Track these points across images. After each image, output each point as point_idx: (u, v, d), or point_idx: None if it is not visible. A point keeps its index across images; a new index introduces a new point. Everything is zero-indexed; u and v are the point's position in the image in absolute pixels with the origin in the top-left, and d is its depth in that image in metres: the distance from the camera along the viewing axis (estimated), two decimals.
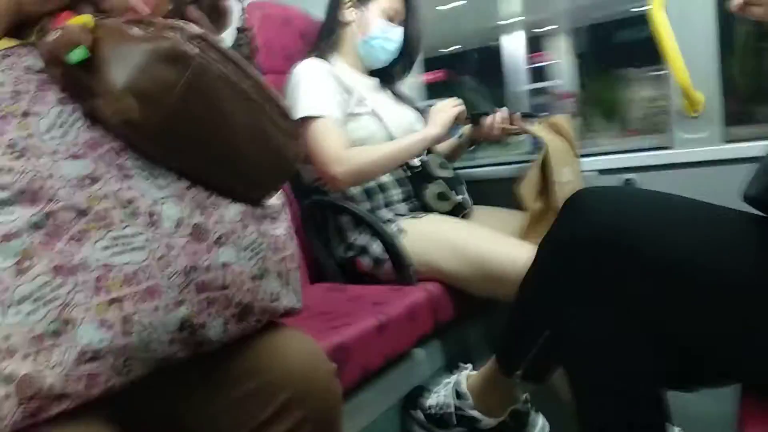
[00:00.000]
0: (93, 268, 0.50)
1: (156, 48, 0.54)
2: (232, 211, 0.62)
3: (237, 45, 0.91)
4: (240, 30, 0.88)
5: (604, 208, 0.79)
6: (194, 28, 0.57)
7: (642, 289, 0.76)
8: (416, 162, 1.52)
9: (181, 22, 0.57)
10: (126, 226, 0.53)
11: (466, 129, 1.63)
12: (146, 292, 0.51)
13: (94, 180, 0.53)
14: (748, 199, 0.73)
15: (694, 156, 1.44)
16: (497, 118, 1.51)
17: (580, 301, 0.81)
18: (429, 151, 1.56)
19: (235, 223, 0.61)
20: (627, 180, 1.50)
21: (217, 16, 0.72)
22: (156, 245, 0.53)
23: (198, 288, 0.55)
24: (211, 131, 0.58)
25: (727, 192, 0.79)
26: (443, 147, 1.67)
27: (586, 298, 0.80)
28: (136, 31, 0.56)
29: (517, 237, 1.41)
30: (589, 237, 0.79)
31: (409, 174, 1.54)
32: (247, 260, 0.61)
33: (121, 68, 0.54)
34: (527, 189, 1.46)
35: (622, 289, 0.77)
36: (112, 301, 0.50)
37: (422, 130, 1.50)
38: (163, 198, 0.56)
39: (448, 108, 1.50)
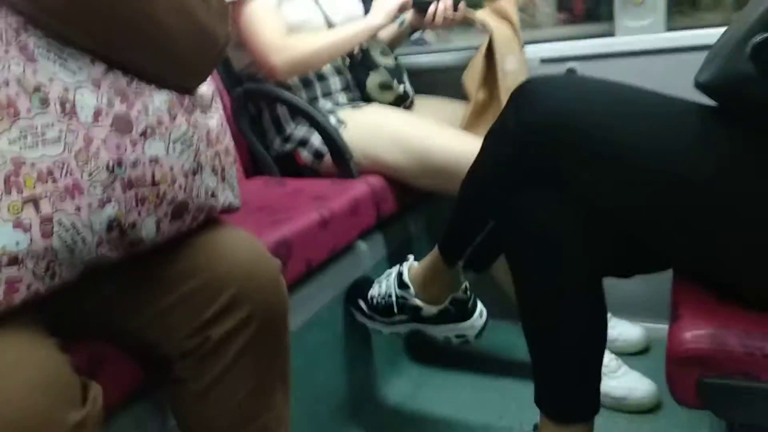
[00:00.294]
0: (1, 163, 0.44)
1: None
2: (157, 99, 0.55)
3: None
4: None
5: (552, 97, 0.77)
6: None
7: (587, 175, 0.76)
8: (356, 49, 1.44)
9: None
10: (35, 115, 0.46)
11: (409, 15, 1.54)
12: (65, 190, 0.46)
13: None
14: (699, 84, 0.72)
15: (637, 44, 1.43)
16: (440, 6, 1.43)
17: (525, 190, 0.81)
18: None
19: (162, 113, 0.55)
20: (569, 69, 1.49)
21: None
22: (73, 137, 0.47)
23: (125, 185, 0.50)
24: (125, 6, 0.50)
25: (670, 81, 0.78)
26: (384, 34, 1.59)
27: (531, 186, 0.80)
28: None
29: (461, 127, 1.39)
30: (537, 126, 0.77)
31: (349, 62, 1.47)
32: (178, 154, 0.56)
33: None
34: (471, 78, 1.43)
35: (567, 176, 0.77)
36: (27, 201, 0.44)
37: (365, 19, 1.41)
38: (76, 84, 0.49)
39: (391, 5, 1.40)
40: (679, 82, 0.74)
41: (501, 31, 1.40)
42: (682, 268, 0.80)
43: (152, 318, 0.59)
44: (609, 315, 1.25)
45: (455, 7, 1.43)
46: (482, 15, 1.42)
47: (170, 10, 0.55)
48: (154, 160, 0.53)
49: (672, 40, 1.38)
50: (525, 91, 0.80)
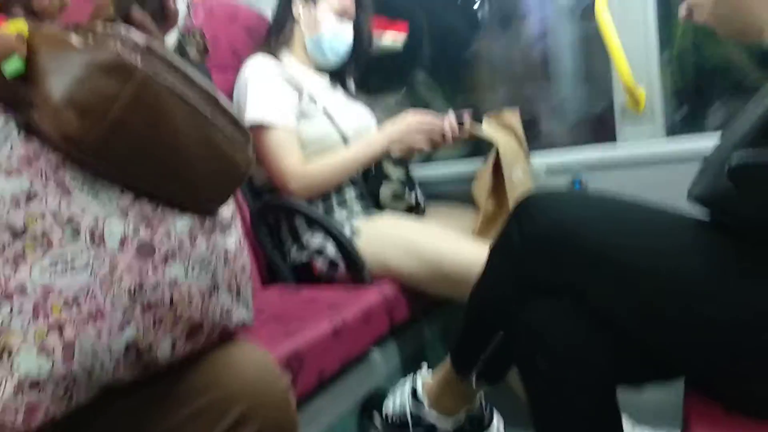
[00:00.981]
0: (31, 291, 0.48)
1: (96, 59, 0.51)
2: (180, 224, 0.59)
3: (183, 47, 0.88)
4: (185, 32, 0.85)
5: (553, 211, 0.81)
6: (138, 37, 0.55)
7: (591, 286, 0.78)
8: (372, 168, 1.52)
9: (123, 30, 0.55)
10: (67, 245, 0.50)
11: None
12: (89, 315, 0.49)
13: (30, 197, 0.50)
14: (692, 198, 0.75)
15: (639, 152, 1.48)
16: (447, 127, 1.48)
17: (532, 302, 0.82)
18: None
19: (183, 236, 0.59)
20: (574, 178, 1.54)
21: (163, 18, 0.69)
22: (99, 264, 0.51)
23: (144, 308, 0.53)
24: (155, 145, 0.56)
25: (672, 189, 0.82)
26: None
27: (537, 298, 0.82)
28: (75, 39, 0.53)
29: (471, 235, 1.43)
30: (539, 239, 0.80)
31: (363, 173, 1.54)
32: (196, 276, 0.59)
33: (60, 80, 0.51)
34: (480, 189, 1.48)
35: (572, 287, 0.79)
36: (53, 327, 0.47)
37: (379, 140, 1.48)
38: (105, 214, 0.53)
39: (415, 132, 1.47)
40: (679, 190, 0.77)
41: (507, 144, 1.47)
42: (691, 377, 0.79)
43: None
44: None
45: (461, 124, 1.50)
46: (488, 129, 1.50)
47: (197, 145, 0.60)
48: (173, 283, 0.56)
49: (672, 149, 1.43)
50: (527, 205, 0.84)
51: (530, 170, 1.54)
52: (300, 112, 1.48)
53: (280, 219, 1.51)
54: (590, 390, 0.81)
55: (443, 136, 1.49)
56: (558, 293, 0.80)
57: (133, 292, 0.52)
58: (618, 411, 0.83)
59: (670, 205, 0.79)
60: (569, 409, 0.82)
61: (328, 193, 1.49)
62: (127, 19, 0.65)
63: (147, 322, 0.54)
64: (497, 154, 1.46)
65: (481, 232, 1.45)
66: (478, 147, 1.86)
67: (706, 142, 0.77)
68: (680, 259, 0.72)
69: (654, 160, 1.45)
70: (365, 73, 1.75)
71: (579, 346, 0.80)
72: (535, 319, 0.82)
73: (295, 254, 1.47)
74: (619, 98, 1.53)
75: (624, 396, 0.83)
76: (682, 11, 0.70)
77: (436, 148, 1.57)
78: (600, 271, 0.77)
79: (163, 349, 0.56)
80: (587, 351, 0.79)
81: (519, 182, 1.45)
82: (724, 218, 0.72)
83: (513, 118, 1.55)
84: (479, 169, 1.53)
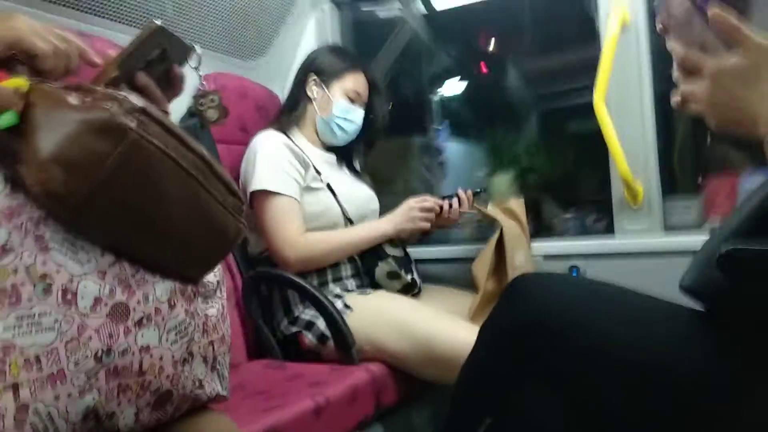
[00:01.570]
0: None
1: (90, 118, 0.52)
2: (159, 289, 0.58)
3: (198, 109, 0.89)
4: (202, 95, 0.87)
5: (544, 295, 0.79)
6: (135, 100, 0.56)
7: (579, 374, 0.75)
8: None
9: (122, 93, 0.56)
10: (35, 304, 0.49)
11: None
12: (48, 378, 0.47)
13: (6, 250, 0.50)
14: (683, 288, 0.74)
15: (636, 245, 1.48)
16: (455, 204, 1.51)
17: (520, 389, 0.79)
18: None
19: (161, 302, 0.58)
20: (572, 267, 1.53)
21: (169, 84, 0.71)
22: (67, 327, 0.49)
23: (110, 373, 0.51)
24: (142, 207, 0.55)
25: (668, 282, 0.81)
26: None
27: (525, 385, 0.79)
28: (72, 98, 0.54)
29: (466, 317, 1.40)
30: (529, 324, 0.78)
31: (360, 259, 1.54)
32: (170, 344, 0.57)
33: (51, 136, 0.52)
34: (481, 268, 1.47)
35: (561, 374, 0.76)
36: (7, 387, 0.45)
37: (381, 225, 1.51)
38: (82, 274, 0.52)
39: (410, 212, 1.50)
40: (675, 284, 0.76)
41: (511, 227, 1.48)
42: None
43: None
44: None
45: (465, 201, 1.52)
46: (493, 211, 1.51)
47: (185, 210, 0.59)
48: (145, 350, 0.54)
49: (669, 243, 1.43)
50: (517, 288, 0.82)
51: (532, 259, 1.54)
52: (306, 186, 1.50)
53: (272, 290, 1.49)
54: None
55: (445, 215, 1.50)
56: (546, 379, 0.77)
57: (99, 356, 0.51)
58: None
59: (666, 296, 0.78)
60: None
61: (324, 268, 1.48)
62: (132, 84, 0.67)
63: (111, 389, 0.51)
64: (501, 235, 1.46)
65: (478, 313, 1.42)
66: (479, 232, 1.87)
67: (703, 238, 0.77)
68: (672, 354, 0.71)
69: (651, 252, 1.44)
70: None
71: None
72: (523, 408, 0.79)
73: (284, 327, 1.44)
74: (618, 192, 1.54)
75: None
76: (674, 100, 0.71)
77: (440, 227, 1.58)
78: (589, 360, 0.74)
79: (126, 419, 0.53)
80: None
81: (520, 267, 1.45)
82: (714, 308, 0.71)
83: (517, 206, 1.56)
84: (481, 249, 1.53)
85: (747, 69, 0.62)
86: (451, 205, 1.51)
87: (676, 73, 0.69)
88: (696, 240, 0.82)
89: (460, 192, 1.52)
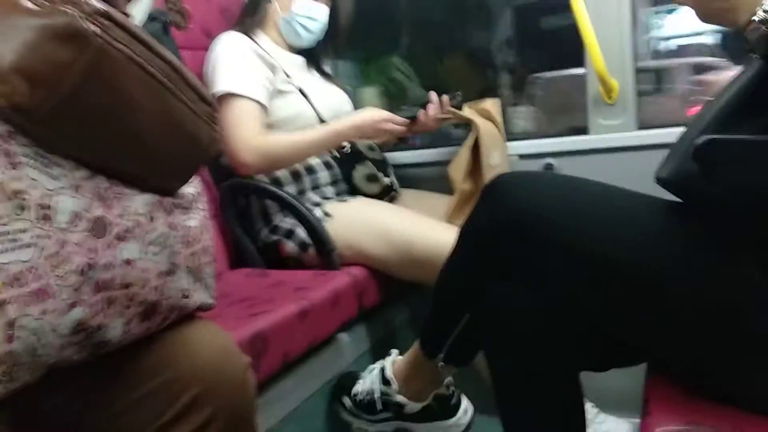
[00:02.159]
0: None
1: (49, 24, 0.49)
2: (138, 202, 0.57)
3: (158, 15, 0.84)
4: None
5: (522, 193, 0.80)
6: (96, 4, 0.52)
7: (558, 272, 0.78)
8: (345, 143, 1.50)
9: None
10: (11, 221, 0.47)
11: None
12: (33, 293, 0.47)
13: None
14: (660, 180, 0.76)
15: (610, 142, 1.49)
16: (431, 111, 1.48)
17: (499, 284, 0.82)
18: None
19: (140, 215, 0.57)
20: (547, 165, 1.54)
21: None
22: (47, 242, 0.49)
23: (95, 287, 0.51)
24: (113, 117, 0.53)
25: (642, 176, 0.82)
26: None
27: (504, 281, 0.82)
28: (27, 3, 0.50)
29: (444, 220, 1.42)
30: (508, 221, 0.80)
31: (337, 155, 1.52)
32: (153, 256, 0.57)
33: (9, 45, 0.48)
34: (457, 169, 1.47)
35: (539, 272, 0.79)
36: None
37: (345, 131, 1.45)
38: (57, 189, 0.51)
39: (378, 124, 1.45)
40: (650, 177, 0.78)
41: (486, 128, 1.47)
42: (653, 361, 0.80)
43: (113, 417, 0.58)
44: (597, 411, 1.23)
45: (442, 106, 1.49)
46: (468, 113, 1.49)
47: (157, 120, 0.57)
48: (128, 263, 0.54)
49: (642, 138, 1.45)
50: (496, 187, 0.83)
51: (508, 159, 1.54)
52: (275, 90, 1.45)
53: (250, 200, 1.49)
54: (553, 374, 0.81)
55: (422, 122, 1.48)
56: (525, 277, 0.79)
57: (82, 271, 0.50)
58: (581, 395, 0.83)
59: (641, 190, 0.79)
60: (532, 392, 0.82)
61: (301, 175, 1.47)
62: None
63: (97, 303, 0.52)
64: (476, 136, 1.45)
65: (455, 215, 1.45)
66: (455, 136, 1.86)
67: (678, 132, 0.77)
68: (647, 248, 0.73)
69: (624, 148, 1.46)
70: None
71: (542, 330, 0.80)
72: (500, 303, 0.82)
73: (265, 236, 1.45)
74: (593, 89, 1.53)
75: (587, 383, 0.84)
76: None
77: (418, 133, 1.57)
78: (567, 257, 0.76)
79: (115, 330, 0.54)
80: (550, 336, 0.80)
81: (496, 166, 1.45)
82: (690, 200, 0.73)
83: (493, 106, 1.55)
84: (457, 151, 1.52)
85: None
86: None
87: None
88: (671, 133, 0.82)
89: (434, 96, 1.49)
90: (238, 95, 1.38)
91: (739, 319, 0.67)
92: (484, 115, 1.52)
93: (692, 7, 0.67)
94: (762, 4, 0.60)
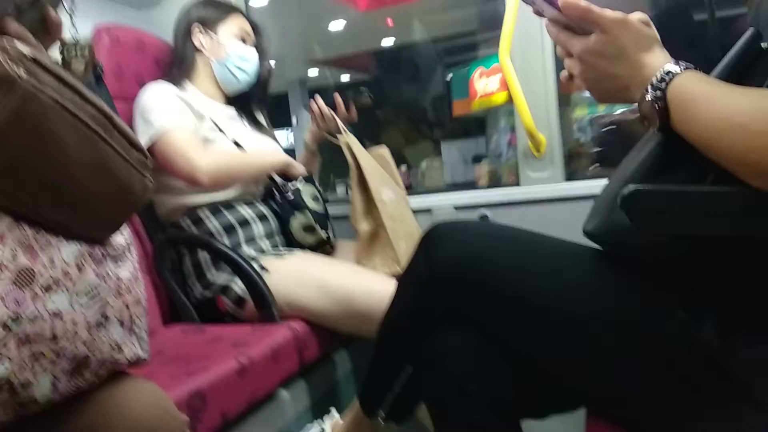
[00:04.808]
0: None
1: None
2: (66, 251, 0.55)
3: (67, 60, 0.82)
4: (71, 44, 0.80)
5: (458, 240, 0.82)
6: (23, 48, 0.51)
7: (495, 319, 0.79)
8: (290, 188, 1.51)
9: (5, 39, 0.51)
10: None
11: (306, 136, 1.66)
12: None
13: None
14: (586, 234, 0.79)
15: (541, 193, 1.56)
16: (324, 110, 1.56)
17: (439, 333, 0.82)
18: (305, 180, 1.56)
19: (68, 265, 0.54)
20: (482, 215, 1.59)
21: (44, 31, 0.65)
22: None
23: (20, 341, 0.48)
24: (39, 165, 0.51)
25: (571, 225, 0.86)
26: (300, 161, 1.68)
27: (444, 329, 0.82)
28: None
29: (355, 262, 1.43)
30: (445, 267, 0.81)
31: (276, 204, 1.51)
32: (82, 307, 0.54)
33: None
34: (353, 213, 1.47)
35: (476, 316, 0.80)
36: None
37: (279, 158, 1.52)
38: None
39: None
40: (578, 226, 0.81)
41: (370, 165, 1.48)
42: (591, 405, 0.82)
43: None
44: None
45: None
46: (352, 145, 1.49)
47: (88, 167, 0.56)
48: (56, 314, 0.51)
49: (571, 190, 1.52)
50: (434, 235, 0.85)
51: (405, 196, 1.58)
52: (202, 137, 1.44)
53: (182, 254, 1.45)
54: (496, 423, 0.81)
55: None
56: (464, 324, 0.80)
57: (8, 323, 0.47)
58: None
59: (571, 239, 0.83)
60: None
61: (234, 228, 1.44)
62: (2, 32, 0.61)
63: (23, 357, 0.49)
64: (358, 174, 1.45)
65: (362, 257, 1.44)
66: None
67: (602, 184, 0.82)
68: (581, 293, 0.75)
69: (554, 198, 1.52)
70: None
71: (482, 378, 0.80)
72: (441, 352, 0.82)
73: (198, 291, 1.41)
74: (522, 144, 1.61)
75: (528, 427, 0.84)
76: (562, 75, 0.75)
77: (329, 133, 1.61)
78: (503, 304, 0.78)
79: (42, 388, 0.51)
80: (492, 385, 0.80)
81: (391, 201, 1.46)
82: (617, 250, 0.76)
83: (386, 153, 1.61)
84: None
85: (608, 45, 0.67)
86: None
87: (559, 51, 0.73)
88: (595, 185, 0.87)
89: (337, 97, 1.56)
90: (172, 130, 1.38)
91: (671, 361, 0.70)
92: (378, 158, 1.57)
93: (589, 92, 0.72)
94: (651, 82, 0.64)
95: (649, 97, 0.64)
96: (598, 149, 1.58)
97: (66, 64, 0.73)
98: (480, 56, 2.05)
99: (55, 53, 0.67)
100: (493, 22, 1.63)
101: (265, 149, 1.58)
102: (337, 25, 3.03)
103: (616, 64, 0.67)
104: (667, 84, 0.63)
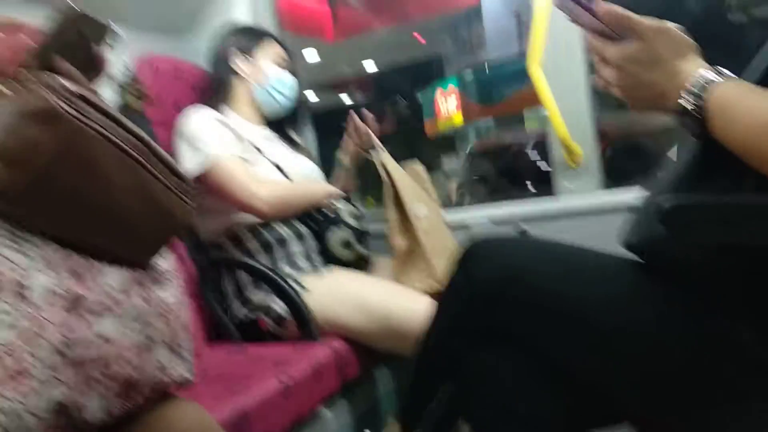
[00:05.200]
0: None
1: (24, 106, 0.50)
2: (112, 277, 0.57)
3: (125, 96, 0.86)
4: (126, 83, 0.85)
5: (498, 256, 0.82)
6: (69, 85, 0.54)
7: (536, 334, 0.78)
8: (328, 213, 1.53)
9: (52, 77, 0.54)
10: None
11: (342, 156, 1.66)
12: (11, 375, 0.46)
13: None
14: (627, 246, 0.78)
15: (577, 204, 1.54)
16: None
17: (479, 351, 0.82)
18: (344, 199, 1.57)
19: (115, 290, 0.57)
20: (521, 229, 1.57)
21: (91, 68, 0.68)
22: (24, 321, 0.48)
23: (73, 365, 0.50)
24: (86, 195, 0.54)
25: (610, 236, 0.85)
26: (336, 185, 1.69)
27: (484, 347, 0.81)
28: (3, 87, 0.52)
29: (393, 279, 1.42)
30: (485, 284, 0.80)
31: (315, 223, 1.53)
32: (130, 331, 0.56)
33: None
34: (389, 230, 1.47)
35: (517, 336, 0.79)
36: None
37: (324, 189, 1.53)
38: (30, 267, 0.51)
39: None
40: (614, 239, 0.80)
41: (404, 182, 1.48)
42: (634, 419, 0.80)
43: None
44: None
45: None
46: (386, 162, 1.50)
47: (130, 194, 0.58)
48: (105, 339, 0.54)
49: (608, 200, 1.50)
50: (473, 253, 0.85)
51: (440, 212, 1.57)
52: (245, 160, 1.48)
53: (222, 274, 1.48)
54: None
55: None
56: (504, 341, 0.80)
57: (61, 349, 0.50)
58: None
59: (611, 251, 0.82)
60: None
61: (273, 247, 1.46)
62: (50, 70, 0.64)
63: (77, 381, 0.51)
64: (394, 191, 1.45)
65: (398, 274, 1.43)
66: None
67: (640, 194, 0.81)
68: (623, 306, 0.74)
69: (591, 211, 1.50)
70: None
71: (527, 396, 0.79)
72: (481, 370, 0.81)
73: (237, 310, 1.43)
74: (557, 154, 1.59)
75: None
76: (598, 85, 0.75)
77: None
78: (545, 320, 0.77)
79: (94, 410, 0.53)
80: (535, 402, 0.79)
81: (426, 218, 1.45)
82: (658, 262, 0.75)
83: (420, 171, 1.60)
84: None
85: (645, 53, 0.66)
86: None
87: (593, 59, 0.73)
88: (632, 195, 0.86)
89: (364, 112, 1.57)
90: (224, 158, 1.41)
91: (713, 369, 0.68)
92: (412, 174, 1.57)
93: (625, 99, 0.72)
94: (688, 88, 0.64)
95: (688, 105, 0.64)
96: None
97: (124, 100, 0.78)
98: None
99: (103, 89, 0.70)
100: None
101: (302, 170, 1.61)
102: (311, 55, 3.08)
103: (652, 70, 0.66)
104: (705, 91, 0.63)
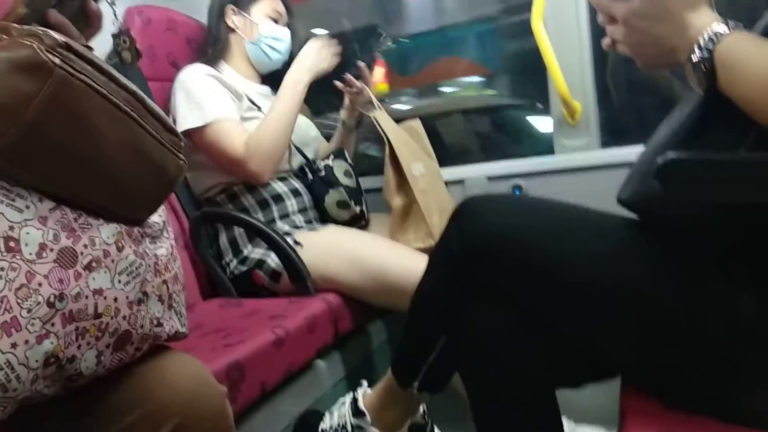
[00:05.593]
0: None
1: (12, 57, 0.49)
2: (105, 232, 0.57)
3: (116, 51, 0.85)
4: (117, 35, 0.83)
5: (491, 214, 0.82)
6: (56, 36, 0.52)
7: (527, 287, 0.79)
8: (321, 165, 1.51)
9: (40, 29, 0.52)
10: None
11: (342, 114, 1.64)
12: (2, 326, 0.46)
13: None
14: (621, 202, 0.78)
15: (575, 162, 1.53)
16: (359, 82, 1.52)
17: (472, 305, 0.83)
18: (335, 156, 1.56)
19: (108, 245, 0.56)
20: (515, 186, 1.57)
21: (85, 22, 0.66)
22: (15, 274, 0.48)
23: (65, 318, 0.50)
24: (76, 148, 0.53)
25: (606, 194, 0.84)
26: (334, 142, 1.68)
27: (477, 301, 0.82)
28: None
29: (389, 237, 1.43)
30: (478, 241, 0.81)
31: (309, 181, 1.53)
32: (123, 285, 0.56)
33: None
34: (386, 188, 1.47)
35: (510, 289, 0.80)
36: None
37: (299, 78, 1.46)
38: (22, 221, 0.50)
39: (321, 52, 1.48)
40: (614, 196, 0.80)
41: (402, 140, 1.47)
42: (627, 375, 0.82)
43: None
44: (574, 425, 1.24)
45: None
46: (381, 119, 1.48)
47: (123, 150, 0.57)
48: (98, 292, 0.54)
49: (606, 157, 1.49)
50: (465, 210, 0.84)
51: (438, 170, 1.56)
52: (241, 117, 1.46)
53: (218, 230, 1.48)
54: (530, 392, 0.82)
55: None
56: (497, 297, 0.80)
57: (52, 302, 0.50)
58: (558, 412, 0.84)
59: (605, 209, 0.81)
60: (510, 411, 0.82)
61: (268, 204, 1.46)
62: (43, 23, 0.62)
63: (68, 333, 0.51)
64: (391, 150, 1.44)
65: (395, 232, 1.44)
66: None
67: (639, 150, 0.80)
68: (615, 263, 0.75)
69: (589, 168, 1.49)
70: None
71: (518, 350, 0.80)
72: (474, 324, 0.82)
73: (234, 266, 1.44)
74: (557, 111, 1.58)
75: (563, 398, 0.85)
76: (604, 42, 0.73)
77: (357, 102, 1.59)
78: (538, 276, 0.78)
79: (88, 362, 0.53)
80: (526, 355, 0.80)
81: (422, 176, 1.45)
82: (651, 219, 0.75)
83: (418, 127, 1.58)
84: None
85: (652, 5, 0.64)
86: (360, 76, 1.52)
87: (600, 18, 0.70)
88: (633, 152, 0.85)
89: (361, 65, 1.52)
90: (217, 121, 1.40)
91: (706, 331, 0.69)
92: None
93: (632, 57, 0.70)
94: (698, 42, 0.62)
95: (695, 59, 0.62)
96: None
97: (118, 55, 0.76)
98: None
99: (98, 44, 0.69)
100: None
101: (300, 126, 1.59)
102: None
103: (661, 24, 0.65)
104: (714, 44, 0.61)
